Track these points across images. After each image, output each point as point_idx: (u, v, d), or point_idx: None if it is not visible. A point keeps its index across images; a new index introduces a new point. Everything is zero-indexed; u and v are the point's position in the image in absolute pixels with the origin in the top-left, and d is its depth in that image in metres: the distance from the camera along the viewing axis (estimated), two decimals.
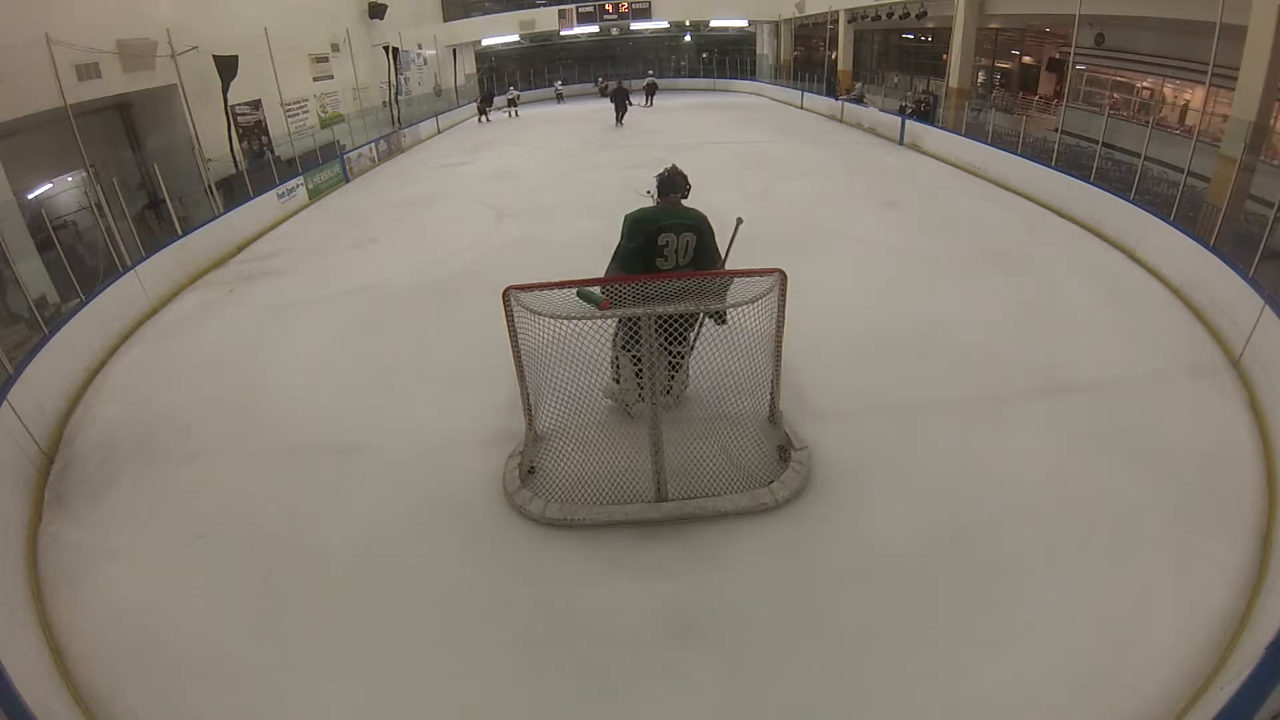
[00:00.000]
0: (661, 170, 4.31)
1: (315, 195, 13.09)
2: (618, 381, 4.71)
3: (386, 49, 20.30)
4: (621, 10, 27.63)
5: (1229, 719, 2.23)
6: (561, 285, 3.69)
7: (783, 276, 3.84)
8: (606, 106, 20.85)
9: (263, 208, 11.18)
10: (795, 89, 22.92)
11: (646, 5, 27.59)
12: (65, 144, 9.47)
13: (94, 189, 8.36)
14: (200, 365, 6.28)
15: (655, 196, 4.32)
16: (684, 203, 4.30)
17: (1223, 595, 3.22)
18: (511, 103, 24.78)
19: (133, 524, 4.20)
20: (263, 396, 5.55)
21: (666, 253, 4.12)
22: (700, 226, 4.18)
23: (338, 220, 11.44)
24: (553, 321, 3.61)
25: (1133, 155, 9.10)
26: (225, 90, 12.65)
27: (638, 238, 4.10)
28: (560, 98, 28.06)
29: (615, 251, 4.27)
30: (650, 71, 27.47)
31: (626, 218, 4.19)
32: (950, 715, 2.78)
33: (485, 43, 29.00)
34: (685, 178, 4.29)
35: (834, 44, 23.18)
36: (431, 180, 14.10)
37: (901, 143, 15.04)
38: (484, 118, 23.89)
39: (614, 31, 29.06)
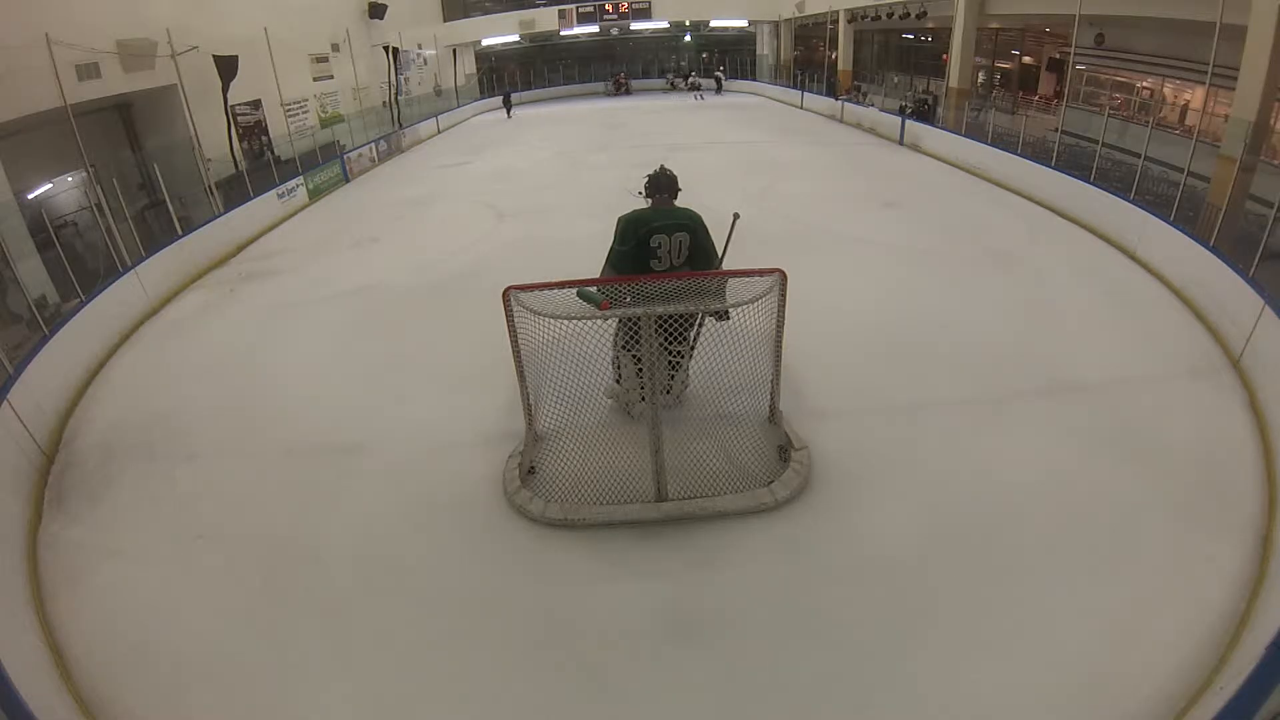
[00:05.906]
0: (650, 171, 4.31)
1: (315, 195, 13.08)
2: (619, 382, 4.70)
3: (386, 49, 20.29)
4: (621, 10, 27.64)
5: (1229, 719, 2.23)
6: (561, 285, 3.69)
7: (783, 276, 3.84)
8: (610, 107, 20.95)
9: (263, 208, 11.18)
10: (795, 89, 22.90)
11: (646, 5, 27.60)
12: (65, 144, 9.47)
13: (94, 189, 8.36)
14: (200, 365, 6.28)
15: (644, 196, 4.33)
16: (676, 203, 4.30)
17: (1222, 595, 3.22)
18: (694, 87, 27.02)
19: (133, 524, 4.21)
20: (263, 396, 5.55)
21: (660, 254, 4.11)
22: (693, 226, 4.16)
23: (338, 220, 11.43)
24: (553, 322, 3.61)
25: (1133, 155, 9.09)
26: (225, 90, 12.65)
27: (630, 240, 4.09)
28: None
29: (608, 255, 4.26)
30: (719, 69, 29.18)
31: (619, 220, 4.18)
32: (950, 715, 2.78)
33: (485, 43, 29.01)
34: (674, 178, 4.29)
35: (834, 44, 23.18)
36: (431, 180, 14.09)
37: (901, 143, 15.03)
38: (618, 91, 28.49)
39: (614, 31, 29.10)
